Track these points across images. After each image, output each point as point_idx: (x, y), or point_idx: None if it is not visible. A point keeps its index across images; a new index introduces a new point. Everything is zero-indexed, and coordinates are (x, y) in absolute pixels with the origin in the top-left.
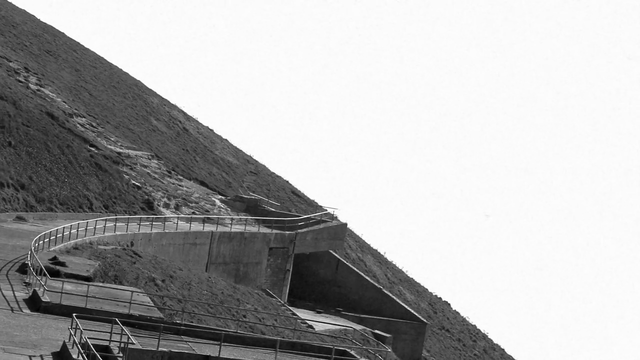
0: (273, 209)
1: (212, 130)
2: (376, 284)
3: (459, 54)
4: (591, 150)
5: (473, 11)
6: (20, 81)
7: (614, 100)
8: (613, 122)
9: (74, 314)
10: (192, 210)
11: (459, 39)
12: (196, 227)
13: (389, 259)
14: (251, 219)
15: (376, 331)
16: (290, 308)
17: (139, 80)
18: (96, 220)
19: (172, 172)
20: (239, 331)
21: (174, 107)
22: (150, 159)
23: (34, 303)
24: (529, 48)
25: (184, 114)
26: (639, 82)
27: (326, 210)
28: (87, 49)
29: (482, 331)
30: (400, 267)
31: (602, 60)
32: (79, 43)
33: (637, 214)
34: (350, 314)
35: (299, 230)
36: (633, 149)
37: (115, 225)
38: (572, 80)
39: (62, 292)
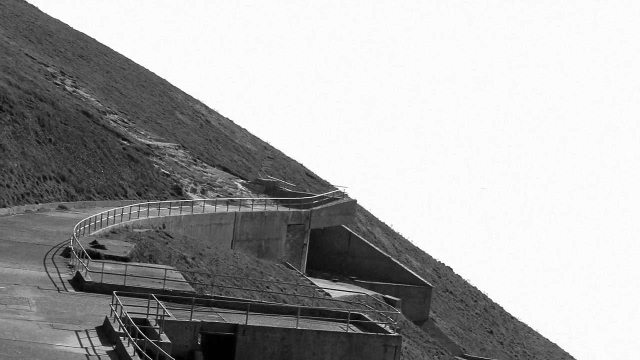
0: (289, 190)
1: (231, 121)
2: (385, 254)
3: (459, 37)
4: (581, 122)
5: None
6: (57, 84)
7: (606, 74)
8: (600, 96)
9: (114, 292)
10: (217, 194)
11: (460, 29)
12: (221, 208)
13: (396, 230)
14: (270, 199)
15: (387, 296)
16: (309, 278)
17: (164, 79)
18: (131, 207)
19: (197, 160)
20: (263, 301)
21: (197, 101)
22: (177, 149)
23: (78, 283)
24: (525, 29)
25: (206, 107)
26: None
27: (337, 189)
28: (117, 53)
29: (482, 292)
30: (406, 237)
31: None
32: (109, 47)
33: (625, 179)
34: (362, 281)
35: (314, 208)
36: (623, 114)
37: (148, 210)
38: (566, 59)
39: (102, 272)
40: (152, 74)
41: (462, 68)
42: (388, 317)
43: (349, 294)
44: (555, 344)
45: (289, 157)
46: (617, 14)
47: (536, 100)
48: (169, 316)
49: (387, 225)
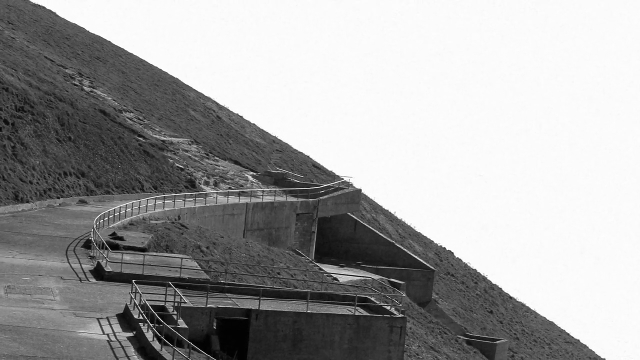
0: (297, 181)
1: (241, 116)
2: (389, 239)
3: (458, 28)
4: (575, 109)
5: None
6: (75, 85)
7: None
8: (595, 81)
9: (133, 280)
10: (229, 186)
11: (458, 20)
12: (233, 200)
13: (399, 217)
14: (279, 190)
15: (391, 279)
16: (317, 264)
17: (177, 78)
18: (147, 199)
19: (210, 154)
20: (274, 286)
21: (208, 99)
22: (190, 144)
23: (99, 273)
24: (523, 17)
25: (217, 104)
26: None
27: (343, 179)
28: (131, 54)
29: (482, 274)
30: (409, 224)
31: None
32: (123, 49)
33: (617, 165)
34: (368, 266)
35: (321, 198)
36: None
37: (163, 202)
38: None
39: (122, 262)
40: (165, 73)
41: (461, 58)
42: (393, 299)
43: (355, 278)
44: (552, 322)
45: (296, 150)
46: (618, 14)
47: (534, 89)
48: (185, 303)
49: (390, 213)
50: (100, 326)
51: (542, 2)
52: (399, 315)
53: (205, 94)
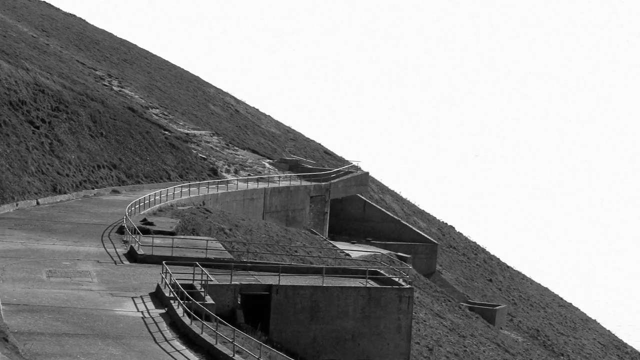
0: (310, 166)
1: (257, 109)
2: (395, 217)
3: (461, 16)
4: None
5: None
6: (105, 85)
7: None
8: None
9: (163, 262)
10: (248, 173)
11: (462, 9)
12: (252, 185)
13: (404, 196)
14: (294, 175)
15: (399, 253)
16: (331, 242)
17: (197, 76)
18: (174, 188)
19: (230, 144)
20: (292, 263)
21: (227, 94)
22: (211, 136)
23: (132, 256)
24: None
25: (235, 98)
26: None
27: (352, 163)
28: (155, 55)
29: (481, 246)
30: (413, 202)
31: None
32: (148, 51)
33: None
34: (377, 242)
35: (332, 181)
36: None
37: (189, 190)
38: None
39: (152, 246)
40: (187, 72)
41: (463, 48)
42: (401, 272)
43: (366, 253)
44: (546, 287)
45: (308, 138)
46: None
47: (530, 72)
48: (212, 280)
49: (396, 193)
50: (135, 304)
51: None
52: (407, 286)
53: (224, 90)
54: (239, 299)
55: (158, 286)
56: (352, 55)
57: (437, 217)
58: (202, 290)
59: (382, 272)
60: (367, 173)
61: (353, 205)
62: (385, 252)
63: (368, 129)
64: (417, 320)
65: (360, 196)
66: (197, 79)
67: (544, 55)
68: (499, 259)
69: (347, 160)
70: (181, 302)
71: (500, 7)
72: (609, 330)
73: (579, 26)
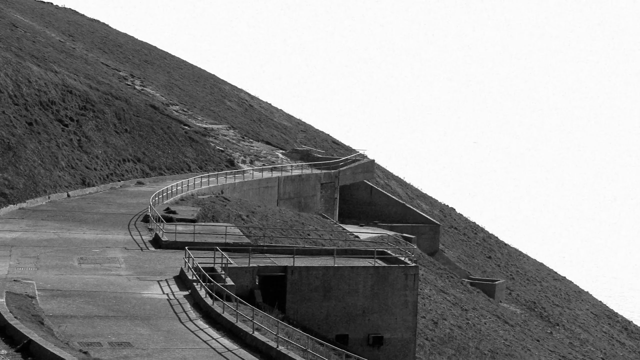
0: (320, 156)
1: (270, 104)
2: (400, 201)
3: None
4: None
5: None
6: (128, 85)
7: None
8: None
9: (186, 247)
10: (262, 163)
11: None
12: (266, 175)
13: (408, 181)
14: (305, 164)
15: (404, 234)
16: (341, 225)
17: (213, 74)
18: (194, 178)
19: (245, 137)
20: (306, 246)
21: (241, 90)
22: (228, 130)
23: (157, 242)
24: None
25: (249, 94)
26: None
27: (359, 152)
28: (174, 56)
29: (480, 225)
30: (416, 187)
31: None
32: (168, 52)
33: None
34: (384, 224)
35: (341, 169)
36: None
37: (208, 180)
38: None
39: (175, 233)
40: (204, 71)
41: (466, 39)
42: (406, 251)
43: (373, 235)
44: (542, 263)
45: (318, 129)
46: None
47: (529, 60)
48: (231, 263)
49: (400, 178)
50: (161, 287)
51: None
52: (412, 265)
53: (239, 87)
54: (256, 280)
55: (181, 270)
56: (356, 52)
57: (439, 200)
58: (223, 272)
59: (389, 252)
60: (373, 160)
61: (360, 191)
62: (391, 233)
63: (373, 120)
64: (423, 295)
65: (367, 182)
66: (213, 77)
67: (542, 47)
68: (497, 237)
69: (354, 149)
70: (203, 284)
71: (500, 2)
72: (600, 301)
73: (577, 13)
